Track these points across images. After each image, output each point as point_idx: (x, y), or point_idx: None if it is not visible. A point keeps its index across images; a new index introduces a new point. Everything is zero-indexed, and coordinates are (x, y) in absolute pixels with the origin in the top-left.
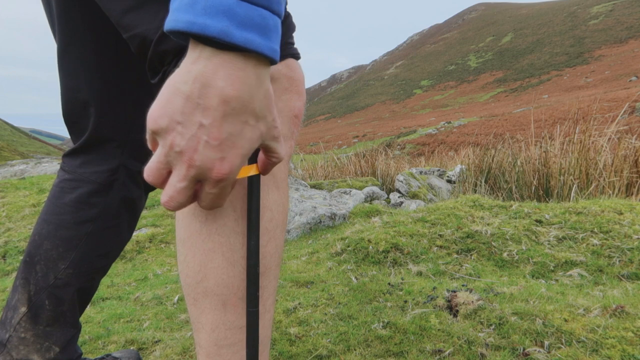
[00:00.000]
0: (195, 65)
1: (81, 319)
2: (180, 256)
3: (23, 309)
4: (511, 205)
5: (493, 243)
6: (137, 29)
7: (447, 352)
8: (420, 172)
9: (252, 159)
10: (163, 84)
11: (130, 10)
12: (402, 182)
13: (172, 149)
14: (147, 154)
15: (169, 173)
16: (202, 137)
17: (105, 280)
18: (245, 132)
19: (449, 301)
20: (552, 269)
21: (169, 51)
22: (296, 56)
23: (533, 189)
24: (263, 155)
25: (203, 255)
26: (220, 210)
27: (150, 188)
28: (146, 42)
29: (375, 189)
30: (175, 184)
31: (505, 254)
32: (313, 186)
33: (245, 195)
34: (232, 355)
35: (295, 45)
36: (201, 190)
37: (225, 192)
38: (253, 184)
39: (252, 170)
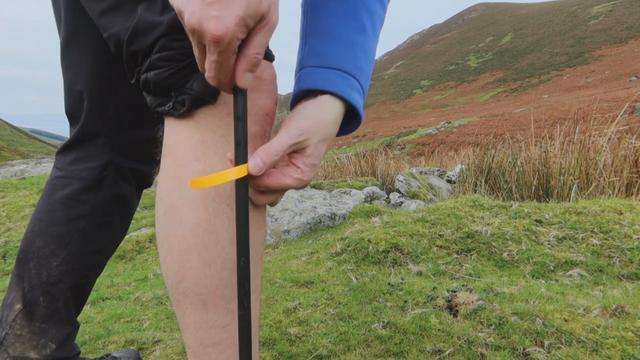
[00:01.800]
0: None
1: (81, 318)
2: (160, 258)
3: (18, 306)
4: (511, 205)
5: (493, 243)
6: (112, 29)
7: (447, 352)
8: (420, 172)
9: (242, 160)
10: (140, 85)
11: (106, 12)
12: (402, 182)
13: (181, 17)
14: (136, 152)
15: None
16: None
17: (105, 280)
18: None
19: (449, 301)
20: (552, 269)
21: (139, 51)
22: (267, 57)
23: (533, 189)
24: (242, 62)
25: (180, 256)
26: (193, 211)
27: (143, 185)
28: (120, 42)
29: (375, 189)
30: (195, 53)
31: (505, 254)
32: (313, 186)
33: (217, 195)
34: (218, 354)
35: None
36: (206, 59)
37: (226, 62)
38: (241, 186)
39: (241, 171)
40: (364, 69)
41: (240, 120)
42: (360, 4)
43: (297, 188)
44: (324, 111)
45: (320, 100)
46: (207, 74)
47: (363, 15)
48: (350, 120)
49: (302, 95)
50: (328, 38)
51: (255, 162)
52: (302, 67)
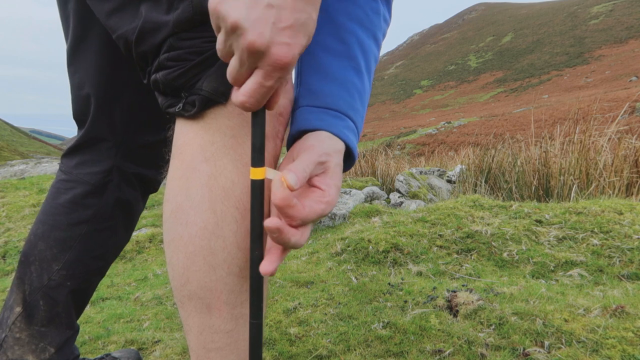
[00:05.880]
0: None
1: (81, 319)
2: (166, 259)
3: (18, 309)
4: (511, 205)
5: (493, 243)
6: (120, 30)
7: (447, 352)
8: (420, 172)
9: (259, 162)
10: (151, 85)
11: (113, 13)
12: (402, 182)
13: (235, 32)
14: (141, 157)
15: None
16: (270, 19)
17: (105, 280)
18: (309, 24)
19: (449, 301)
20: (552, 269)
21: (148, 52)
22: None
23: (533, 189)
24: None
25: (185, 258)
26: (200, 214)
27: (148, 191)
28: (128, 43)
29: (375, 189)
30: (236, 69)
31: (505, 254)
32: None
33: (225, 198)
34: (220, 359)
35: None
36: (252, 82)
37: (276, 87)
38: (256, 189)
39: (258, 173)
40: (359, 109)
41: (258, 126)
42: (356, 42)
43: (327, 213)
44: (331, 141)
45: (323, 134)
46: (246, 97)
47: (358, 54)
48: (345, 159)
49: (298, 135)
50: (324, 77)
51: (290, 176)
52: (297, 105)
